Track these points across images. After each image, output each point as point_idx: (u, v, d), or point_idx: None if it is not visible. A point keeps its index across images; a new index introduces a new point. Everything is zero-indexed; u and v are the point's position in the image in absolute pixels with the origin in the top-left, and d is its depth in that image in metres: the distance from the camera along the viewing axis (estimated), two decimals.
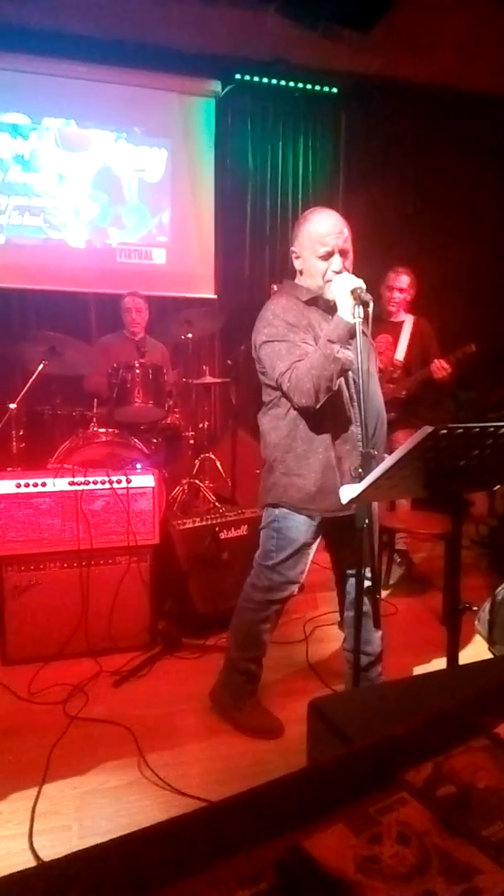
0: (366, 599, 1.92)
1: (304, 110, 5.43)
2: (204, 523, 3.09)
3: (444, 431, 1.41)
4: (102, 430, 3.41)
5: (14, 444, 3.56)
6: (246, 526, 3.13)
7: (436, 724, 0.81)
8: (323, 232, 2.01)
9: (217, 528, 3.07)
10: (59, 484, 2.74)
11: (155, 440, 3.77)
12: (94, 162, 5.03)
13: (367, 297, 1.86)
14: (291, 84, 5.30)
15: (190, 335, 4.19)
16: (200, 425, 4.34)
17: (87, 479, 2.77)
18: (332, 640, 2.86)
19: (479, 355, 3.62)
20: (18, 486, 2.70)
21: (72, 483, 2.75)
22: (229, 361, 4.62)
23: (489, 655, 2.75)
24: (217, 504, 3.73)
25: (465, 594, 3.23)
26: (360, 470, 1.83)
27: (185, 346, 4.23)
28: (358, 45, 4.65)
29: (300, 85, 5.30)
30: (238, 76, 5.14)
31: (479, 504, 4.36)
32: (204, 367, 4.42)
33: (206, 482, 4.03)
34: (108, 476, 2.80)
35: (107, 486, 2.79)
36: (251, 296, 5.31)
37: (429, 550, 4.04)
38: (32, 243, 4.94)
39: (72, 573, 2.75)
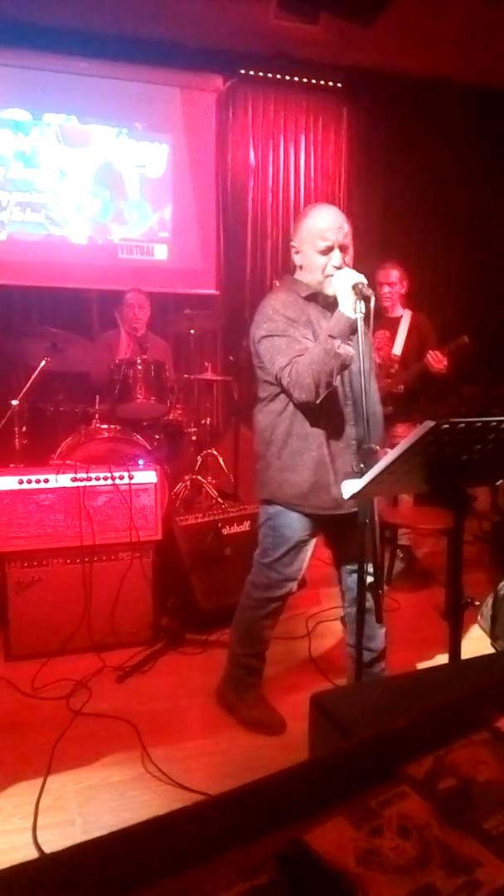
0: (368, 595, 1.91)
1: (305, 105, 5.41)
2: (206, 519, 3.09)
3: (446, 426, 1.41)
4: (105, 426, 3.42)
5: (17, 440, 3.55)
6: (248, 522, 3.13)
7: (437, 717, 0.81)
8: (323, 227, 2.00)
9: (219, 524, 3.08)
10: (62, 480, 2.75)
11: (157, 436, 3.77)
12: (96, 157, 5.02)
13: (369, 291, 1.86)
14: (293, 78, 5.28)
15: (192, 331, 4.19)
16: (203, 421, 4.34)
17: (90, 475, 2.78)
18: (334, 635, 2.87)
19: (482, 350, 3.62)
20: (21, 482, 2.71)
21: (74, 479, 2.76)
22: (231, 357, 4.62)
23: (492, 651, 2.75)
24: (219, 500, 3.74)
25: (467, 589, 3.23)
26: (363, 465, 1.83)
27: (186, 343, 4.23)
28: (359, 40, 4.63)
29: (302, 79, 5.29)
30: (240, 71, 5.12)
31: (483, 499, 4.35)
32: (206, 364, 4.42)
33: (209, 478, 4.03)
34: (110, 472, 2.80)
35: (109, 482, 2.79)
36: (253, 292, 5.31)
37: (431, 546, 4.03)
38: (34, 239, 4.93)
39: (75, 569, 2.76)
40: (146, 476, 2.86)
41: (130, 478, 2.82)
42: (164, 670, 2.66)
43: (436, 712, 0.81)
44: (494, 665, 1.40)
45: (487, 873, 0.58)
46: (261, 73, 5.19)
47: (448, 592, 2.82)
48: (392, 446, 1.59)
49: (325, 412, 2.03)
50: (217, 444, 4.39)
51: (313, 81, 5.33)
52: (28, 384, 3.52)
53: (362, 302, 1.84)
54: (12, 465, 3.26)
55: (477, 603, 2.83)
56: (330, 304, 1.99)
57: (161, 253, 5.21)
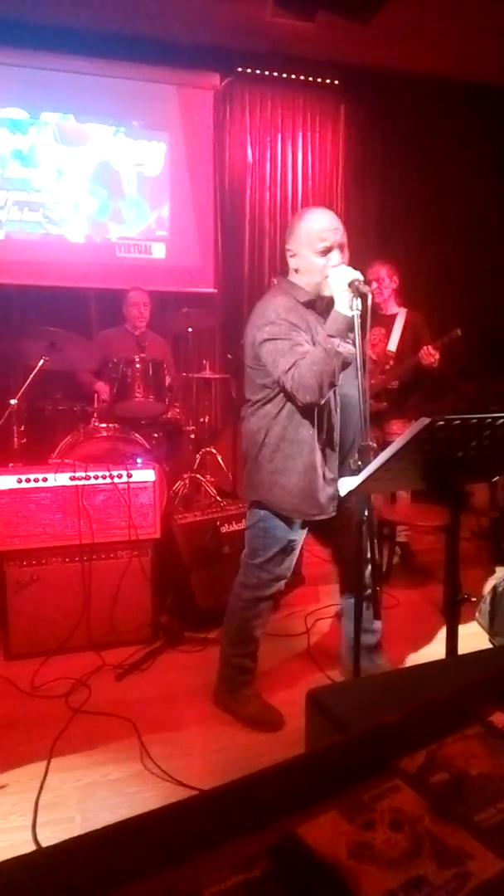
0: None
1: (303, 102, 5.42)
2: (205, 517, 3.10)
3: (441, 423, 1.42)
4: (103, 425, 3.42)
5: (15, 439, 3.56)
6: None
7: (430, 712, 0.81)
8: (320, 228, 2.00)
9: (218, 522, 3.08)
10: (61, 479, 2.75)
11: (156, 435, 3.78)
12: (93, 156, 5.02)
13: (366, 288, 1.86)
14: (291, 76, 5.28)
15: (190, 330, 4.19)
16: (201, 420, 4.34)
17: (88, 473, 2.78)
18: (332, 632, 2.88)
19: (480, 348, 3.62)
20: (20, 481, 2.71)
21: (73, 478, 2.76)
22: (229, 356, 4.62)
23: (489, 647, 2.76)
24: (218, 498, 3.74)
25: (466, 586, 3.24)
26: (360, 462, 1.83)
27: (184, 341, 4.23)
28: (357, 37, 4.63)
29: (299, 77, 5.28)
30: (237, 68, 5.12)
31: (481, 496, 4.36)
32: (204, 362, 4.42)
33: (207, 476, 4.04)
34: (108, 471, 2.81)
35: (108, 480, 2.80)
36: (251, 290, 5.32)
37: (429, 542, 4.04)
38: (32, 238, 4.94)
39: (73, 568, 2.76)
40: (145, 474, 2.87)
41: (129, 476, 2.83)
42: (163, 668, 2.67)
43: (429, 707, 0.82)
44: (490, 660, 1.40)
45: (478, 865, 0.59)
46: (258, 71, 5.19)
47: (445, 589, 2.83)
48: (387, 443, 1.60)
49: (317, 417, 2.04)
50: (215, 443, 4.39)
51: (310, 79, 5.33)
52: (26, 383, 3.52)
53: (359, 299, 1.85)
54: (11, 465, 3.26)
55: (473, 599, 2.84)
56: (326, 311, 1.99)
57: (159, 251, 5.22)
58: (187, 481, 3.86)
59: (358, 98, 5.46)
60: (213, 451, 4.24)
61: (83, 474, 2.77)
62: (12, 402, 3.52)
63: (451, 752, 0.75)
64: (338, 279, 1.90)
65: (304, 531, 2.21)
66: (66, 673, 2.54)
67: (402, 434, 1.48)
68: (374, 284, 3.65)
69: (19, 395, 3.53)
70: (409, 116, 5.53)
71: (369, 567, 2.02)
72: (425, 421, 1.39)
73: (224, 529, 3.08)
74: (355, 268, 1.94)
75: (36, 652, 2.67)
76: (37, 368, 3.51)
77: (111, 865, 0.58)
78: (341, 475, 2.05)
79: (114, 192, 5.09)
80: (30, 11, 4.41)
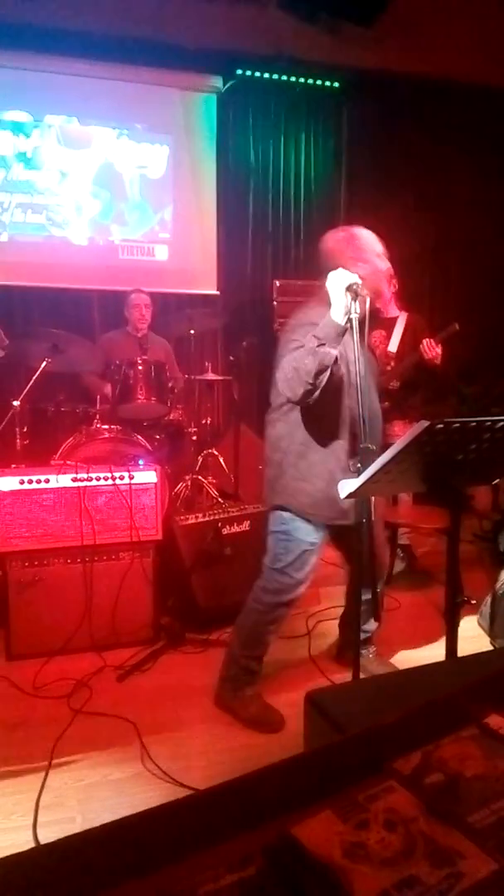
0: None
1: (305, 105, 5.42)
2: (207, 519, 3.11)
3: (441, 426, 1.42)
4: (105, 426, 3.43)
5: (18, 440, 3.57)
6: (248, 521, 3.15)
7: (425, 713, 0.82)
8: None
9: (220, 524, 3.09)
10: (63, 480, 2.77)
11: (158, 437, 3.79)
12: (96, 159, 5.04)
13: (364, 292, 1.87)
14: (293, 79, 5.29)
15: (192, 332, 4.20)
16: (203, 422, 4.35)
17: (91, 475, 2.79)
18: (334, 634, 2.87)
19: (482, 349, 3.62)
20: (22, 482, 2.73)
21: (75, 479, 2.77)
22: (231, 358, 4.63)
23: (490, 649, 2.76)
24: (220, 500, 3.75)
25: (467, 588, 3.24)
26: (360, 465, 1.84)
27: (187, 343, 4.24)
28: (359, 40, 4.64)
29: (302, 80, 5.30)
30: (239, 71, 5.13)
31: (483, 498, 4.36)
32: (206, 364, 4.43)
33: (209, 478, 4.04)
34: (111, 472, 2.82)
35: (110, 482, 2.81)
36: (253, 292, 5.32)
37: (431, 545, 4.04)
38: (35, 241, 4.95)
39: (75, 569, 2.78)
40: (146, 476, 2.88)
41: (131, 478, 2.84)
42: (164, 669, 2.67)
43: (425, 709, 0.83)
44: (489, 662, 1.41)
45: (470, 865, 0.59)
46: (260, 74, 5.20)
47: (446, 591, 2.83)
48: (388, 444, 1.60)
49: (342, 426, 2.08)
50: (217, 444, 4.40)
51: (313, 82, 5.34)
52: (29, 385, 3.53)
53: (356, 303, 1.86)
54: (14, 466, 3.27)
55: (473, 602, 2.84)
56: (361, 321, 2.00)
57: (162, 253, 5.23)
58: (189, 483, 3.87)
59: (360, 101, 5.46)
60: (215, 452, 4.25)
61: (85, 476, 2.78)
62: (15, 403, 3.53)
63: (445, 753, 0.75)
64: (336, 282, 1.90)
65: (324, 534, 2.23)
66: (68, 673, 2.55)
67: (402, 435, 1.49)
68: None
69: (22, 396, 3.54)
70: (412, 119, 5.53)
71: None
72: (424, 424, 1.40)
73: (225, 531, 3.09)
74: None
75: (38, 652, 2.68)
76: (39, 370, 3.52)
77: (108, 863, 0.58)
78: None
79: (117, 194, 5.11)
80: (33, 14, 4.43)
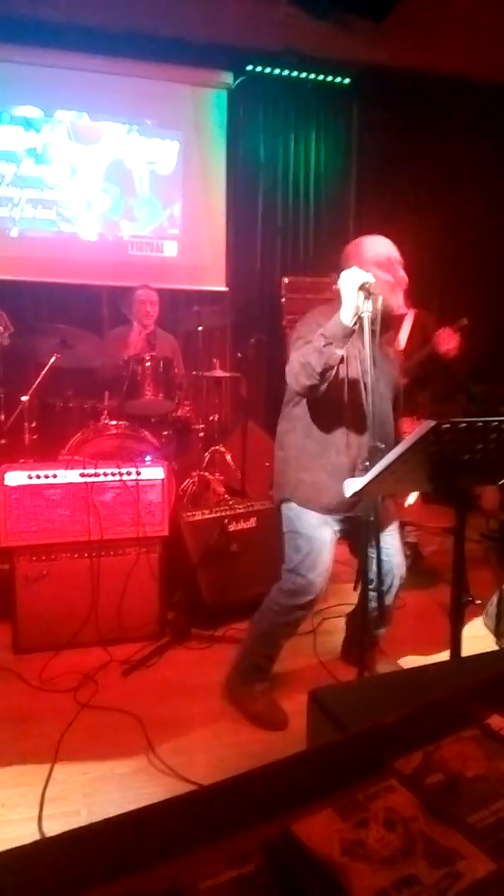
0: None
1: (316, 101, 5.40)
2: (213, 515, 3.11)
3: (447, 426, 1.42)
4: (113, 422, 3.45)
5: (26, 435, 3.59)
6: (255, 518, 3.15)
7: (427, 713, 0.82)
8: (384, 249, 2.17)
9: (226, 521, 3.10)
10: (70, 475, 2.78)
11: (165, 433, 3.80)
12: (106, 154, 5.05)
13: (377, 291, 1.87)
14: (303, 75, 5.27)
15: (200, 328, 4.21)
16: (210, 418, 4.36)
17: (98, 470, 2.81)
18: (339, 632, 2.88)
19: (492, 348, 3.60)
20: (30, 477, 2.74)
21: (83, 475, 2.79)
22: (239, 354, 4.63)
23: (496, 649, 2.75)
24: (227, 496, 3.76)
25: (474, 588, 3.22)
26: (367, 463, 1.84)
27: (195, 339, 4.24)
28: (370, 35, 4.62)
29: (312, 76, 5.28)
30: (249, 67, 5.12)
31: (491, 498, 4.34)
32: (214, 361, 4.43)
33: (216, 475, 4.05)
34: (118, 468, 2.83)
35: (117, 478, 2.82)
36: (262, 289, 5.32)
37: (439, 544, 4.03)
38: (45, 236, 4.97)
39: (82, 563, 2.79)
40: (154, 472, 2.89)
41: (138, 474, 2.85)
42: (169, 664, 2.69)
43: (427, 708, 0.83)
44: (493, 663, 1.41)
45: (469, 865, 0.60)
46: (271, 70, 5.18)
47: (452, 590, 2.83)
48: (396, 442, 1.60)
49: (346, 421, 2.08)
50: (225, 441, 4.41)
51: (323, 78, 5.32)
52: (38, 380, 3.55)
53: (368, 302, 1.85)
54: (22, 460, 3.30)
55: (479, 601, 2.83)
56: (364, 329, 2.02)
57: (171, 250, 5.23)
58: (196, 479, 3.88)
59: (371, 97, 5.44)
60: (223, 449, 4.25)
61: (93, 471, 2.80)
62: (24, 398, 3.55)
63: (447, 753, 0.76)
64: (348, 281, 1.90)
65: (335, 536, 2.23)
66: (74, 668, 2.57)
67: (410, 433, 1.49)
68: None
69: (31, 391, 3.56)
70: (422, 116, 5.50)
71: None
72: (430, 424, 1.40)
73: (232, 528, 3.10)
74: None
75: (44, 646, 2.70)
76: (48, 365, 3.54)
77: (110, 857, 0.59)
78: None
79: (126, 190, 5.11)
80: (44, 10, 4.44)
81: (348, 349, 1.97)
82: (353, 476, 2.07)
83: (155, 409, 3.74)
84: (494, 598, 2.95)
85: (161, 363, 3.65)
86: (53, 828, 1.78)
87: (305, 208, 5.47)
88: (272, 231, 5.42)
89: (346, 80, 5.35)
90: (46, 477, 2.76)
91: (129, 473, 2.84)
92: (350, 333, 1.88)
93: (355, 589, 2.39)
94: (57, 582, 2.76)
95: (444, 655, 2.44)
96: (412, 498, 3.18)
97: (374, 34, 4.54)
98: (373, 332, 1.86)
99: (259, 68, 5.15)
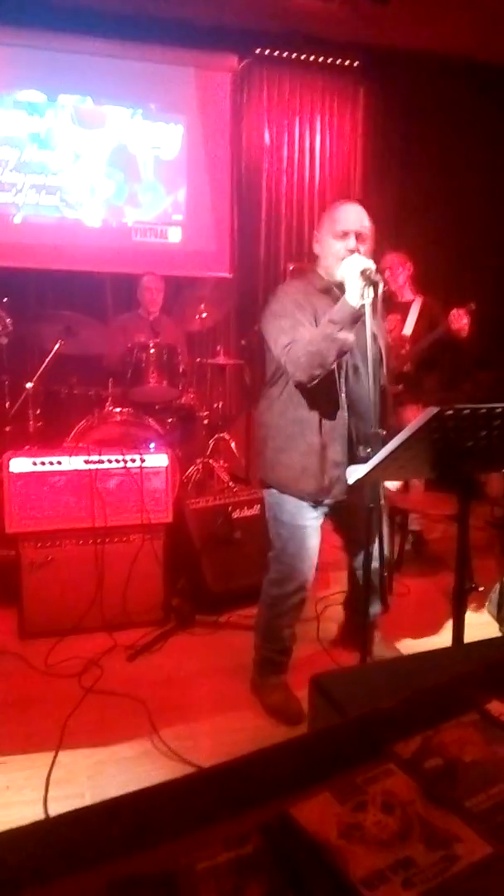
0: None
1: (321, 84, 5.34)
2: (217, 503, 3.12)
3: (450, 412, 1.41)
4: (117, 409, 3.45)
5: (31, 422, 3.60)
6: (258, 506, 3.15)
7: (427, 698, 0.82)
8: (343, 214, 2.05)
9: (230, 508, 3.10)
10: (75, 462, 2.79)
11: (169, 420, 3.80)
12: (110, 139, 5.01)
13: (377, 277, 1.86)
14: (309, 57, 5.20)
15: (204, 315, 4.19)
16: (214, 405, 4.36)
17: (102, 457, 2.81)
18: (341, 618, 2.89)
19: (498, 335, 3.58)
20: (35, 464, 2.75)
21: (87, 462, 2.79)
22: (243, 342, 4.62)
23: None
24: (230, 484, 3.76)
25: (478, 576, 3.23)
26: (369, 450, 1.84)
27: (199, 326, 4.23)
28: (377, 17, 4.54)
29: (318, 58, 5.21)
30: (255, 50, 5.06)
31: (496, 486, 4.32)
32: (218, 348, 4.42)
33: (220, 462, 4.06)
34: (122, 455, 2.83)
35: (121, 465, 2.83)
36: (266, 275, 5.29)
37: (442, 531, 4.03)
38: (48, 222, 4.95)
39: (87, 550, 2.80)
40: (157, 459, 2.89)
41: (142, 461, 2.85)
42: (174, 650, 2.70)
43: (426, 694, 0.83)
44: (495, 649, 1.41)
45: (466, 848, 0.60)
46: (276, 53, 5.12)
47: (455, 577, 2.83)
48: (401, 429, 1.60)
49: (320, 400, 2.05)
50: (229, 428, 4.40)
51: (329, 60, 5.25)
52: (42, 367, 3.56)
53: (370, 288, 1.84)
54: (27, 447, 3.31)
55: (481, 588, 2.83)
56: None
57: (175, 236, 5.20)
58: (200, 467, 3.89)
59: (378, 80, 5.37)
60: (227, 436, 4.25)
61: (97, 458, 2.80)
62: (28, 385, 3.56)
63: (446, 738, 0.76)
64: (350, 267, 1.89)
65: (317, 520, 2.20)
66: (79, 653, 2.59)
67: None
68: (388, 273, 3.62)
69: (35, 378, 3.56)
70: (430, 98, 5.43)
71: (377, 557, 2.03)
72: (433, 410, 1.39)
73: (236, 515, 3.10)
74: (370, 254, 1.94)
75: (50, 631, 2.72)
76: (52, 352, 3.54)
77: (110, 838, 0.60)
78: (354, 462, 2.06)
79: (130, 175, 5.08)
80: None
81: None
82: (325, 456, 2.07)
83: (159, 396, 3.73)
84: (497, 586, 2.95)
85: (165, 350, 3.64)
86: (58, 810, 1.80)
87: (310, 193, 5.42)
88: (277, 217, 5.38)
89: (353, 63, 5.28)
90: (51, 464, 2.76)
91: (133, 460, 2.84)
92: (359, 316, 1.86)
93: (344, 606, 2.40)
94: (62, 568, 2.78)
95: (447, 641, 2.45)
96: (393, 485, 3.18)
97: (382, 16, 4.47)
98: (374, 319, 1.85)
99: (264, 51, 5.08)
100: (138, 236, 5.13)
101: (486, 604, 2.98)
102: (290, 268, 4.97)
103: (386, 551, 2.33)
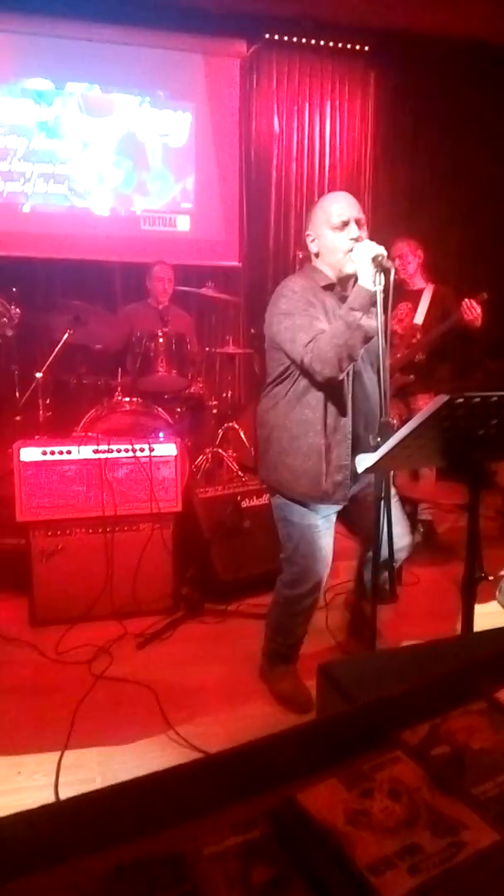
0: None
1: (331, 69, 5.28)
2: (226, 492, 3.13)
3: (460, 400, 1.40)
4: (127, 399, 3.45)
5: (41, 412, 3.62)
6: (267, 495, 3.15)
7: (435, 686, 0.82)
8: (336, 204, 2.01)
9: (239, 497, 3.11)
10: (84, 452, 2.80)
11: (179, 409, 3.80)
12: (118, 127, 4.98)
13: (389, 263, 1.84)
14: (319, 42, 5.14)
15: (213, 303, 4.17)
16: (224, 395, 4.36)
17: (112, 447, 2.82)
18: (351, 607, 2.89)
19: None
20: (45, 453, 2.76)
21: (96, 451, 2.80)
22: (252, 331, 4.60)
23: None
24: (239, 473, 3.77)
25: (488, 565, 3.20)
26: (379, 439, 1.83)
27: (208, 315, 4.22)
28: (388, 0, 4.48)
29: (328, 43, 5.14)
30: (264, 35, 5.00)
31: None
32: (227, 337, 4.41)
33: (230, 451, 4.06)
34: (131, 444, 2.84)
35: (130, 454, 2.83)
36: (276, 264, 5.26)
37: (453, 521, 4.02)
38: (57, 211, 4.94)
39: (97, 539, 2.82)
40: (167, 449, 2.90)
41: (151, 450, 2.86)
42: (183, 638, 2.72)
43: (434, 681, 0.83)
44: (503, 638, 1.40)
45: (472, 835, 0.60)
46: (285, 38, 5.06)
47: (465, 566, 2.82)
48: (412, 418, 1.59)
49: (327, 400, 2.04)
50: (238, 418, 4.40)
51: (339, 45, 5.18)
52: (52, 356, 3.56)
53: (382, 274, 1.82)
54: (37, 437, 3.32)
55: (491, 578, 2.82)
56: (346, 296, 1.98)
57: (183, 224, 5.18)
58: (209, 456, 3.89)
59: (388, 64, 5.30)
60: (236, 426, 4.25)
61: (106, 447, 2.81)
62: (38, 375, 3.57)
63: (453, 726, 0.76)
64: (361, 254, 1.88)
65: (327, 520, 2.18)
66: (90, 640, 2.61)
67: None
68: (398, 261, 3.59)
69: (45, 368, 3.57)
70: (441, 82, 5.35)
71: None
72: (444, 398, 1.38)
73: (245, 504, 3.11)
74: (381, 241, 1.91)
75: (60, 619, 2.74)
76: (62, 342, 3.54)
77: (116, 822, 0.60)
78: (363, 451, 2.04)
79: (139, 163, 5.05)
80: None
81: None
82: (328, 459, 2.05)
83: (168, 385, 3.73)
84: None
85: (174, 340, 3.64)
86: (69, 795, 1.82)
87: (320, 181, 5.37)
88: (286, 204, 5.34)
89: (364, 47, 5.21)
90: (61, 453, 2.78)
91: (142, 450, 2.85)
92: (375, 299, 1.84)
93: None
94: (72, 556, 2.80)
95: (456, 631, 2.45)
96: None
97: None
98: (385, 307, 1.83)
99: (274, 36, 5.02)
100: (147, 225, 5.11)
101: (497, 593, 2.97)
102: (300, 255, 4.95)
103: (407, 541, 2.32)
